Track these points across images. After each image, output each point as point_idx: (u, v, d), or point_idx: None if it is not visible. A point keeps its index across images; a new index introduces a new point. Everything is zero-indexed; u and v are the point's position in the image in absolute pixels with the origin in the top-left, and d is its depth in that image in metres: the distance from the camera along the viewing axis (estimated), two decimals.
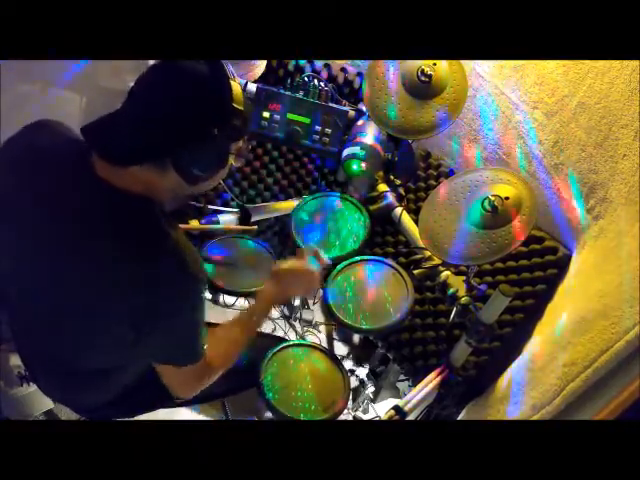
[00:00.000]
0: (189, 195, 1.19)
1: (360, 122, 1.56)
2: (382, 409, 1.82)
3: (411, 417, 1.31)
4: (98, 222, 0.89)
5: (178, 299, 0.92)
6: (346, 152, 1.51)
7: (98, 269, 0.89)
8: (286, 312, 2.10)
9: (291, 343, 1.44)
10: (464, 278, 1.28)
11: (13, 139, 0.97)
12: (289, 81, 1.62)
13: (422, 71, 1.31)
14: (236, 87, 0.93)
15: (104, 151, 0.89)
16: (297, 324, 2.07)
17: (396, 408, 1.26)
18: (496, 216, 1.11)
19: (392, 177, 1.59)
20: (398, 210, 1.53)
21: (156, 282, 0.89)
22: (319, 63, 1.69)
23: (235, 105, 0.92)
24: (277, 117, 1.54)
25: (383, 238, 1.72)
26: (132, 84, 0.91)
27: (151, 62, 0.91)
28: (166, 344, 0.98)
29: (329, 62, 1.69)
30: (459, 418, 1.46)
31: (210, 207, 1.61)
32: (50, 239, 0.91)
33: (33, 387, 1.45)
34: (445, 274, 1.32)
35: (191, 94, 0.88)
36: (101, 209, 0.90)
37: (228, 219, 1.62)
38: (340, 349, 2.05)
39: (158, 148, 0.89)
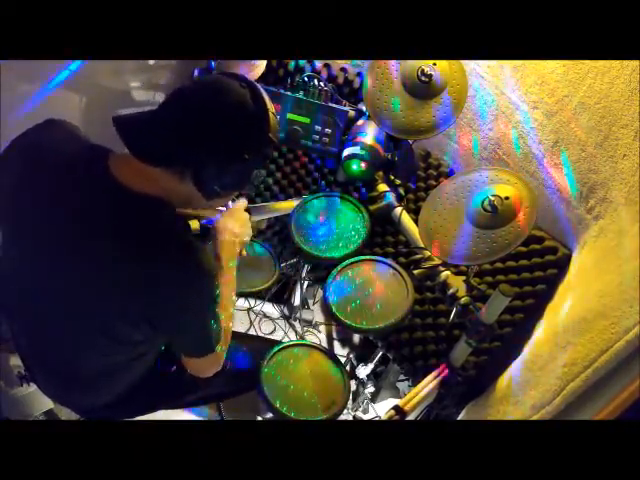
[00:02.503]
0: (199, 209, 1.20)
1: (360, 122, 1.56)
2: (382, 409, 1.82)
3: (411, 417, 1.31)
4: (110, 221, 0.89)
5: (188, 296, 0.92)
6: (346, 152, 1.50)
7: (108, 269, 0.89)
8: (286, 312, 2.10)
9: (291, 343, 1.44)
10: (464, 278, 1.28)
11: (22, 137, 0.97)
12: (289, 81, 1.62)
13: (422, 71, 1.31)
14: (273, 118, 0.96)
15: (134, 144, 0.89)
16: (297, 324, 2.07)
17: (396, 408, 1.26)
18: (496, 216, 1.11)
19: (392, 177, 1.59)
20: (398, 210, 1.53)
21: (166, 281, 0.89)
22: (319, 63, 1.69)
23: (271, 135, 0.96)
24: (277, 117, 1.53)
25: (383, 238, 1.72)
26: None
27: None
28: (183, 338, 1.01)
29: (329, 62, 1.69)
30: (459, 418, 1.46)
31: None
32: (62, 238, 0.91)
33: (33, 387, 1.45)
34: (445, 274, 1.32)
35: (236, 116, 0.90)
36: (114, 209, 0.90)
37: None
38: (340, 349, 2.06)
39: (186, 156, 0.89)
